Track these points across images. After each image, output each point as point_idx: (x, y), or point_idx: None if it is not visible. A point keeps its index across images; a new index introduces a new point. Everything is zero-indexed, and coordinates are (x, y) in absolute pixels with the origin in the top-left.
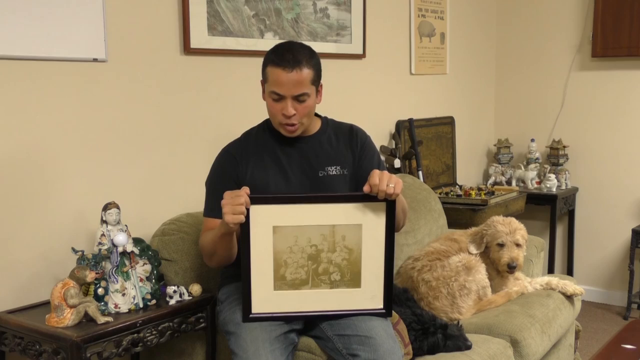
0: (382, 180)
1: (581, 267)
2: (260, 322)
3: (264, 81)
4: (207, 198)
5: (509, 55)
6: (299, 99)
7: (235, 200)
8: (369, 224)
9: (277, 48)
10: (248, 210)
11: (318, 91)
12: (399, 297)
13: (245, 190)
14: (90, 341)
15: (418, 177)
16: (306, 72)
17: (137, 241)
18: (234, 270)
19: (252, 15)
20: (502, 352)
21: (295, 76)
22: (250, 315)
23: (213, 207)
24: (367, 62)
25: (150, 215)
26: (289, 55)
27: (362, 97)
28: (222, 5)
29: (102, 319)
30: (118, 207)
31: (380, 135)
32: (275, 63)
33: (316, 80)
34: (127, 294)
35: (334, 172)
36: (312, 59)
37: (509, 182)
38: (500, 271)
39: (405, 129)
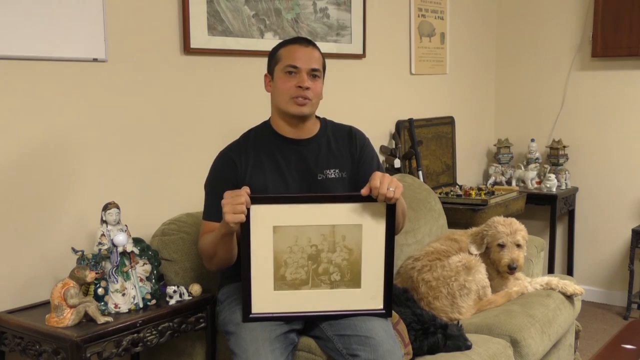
0: (382, 183)
1: (581, 267)
2: (260, 322)
3: (274, 65)
4: (206, 201)
5: (509, 55)
6: (313, 74)
7: (235, 200)
8: (369, 224)
9: (286, 39)
10: (248, 210)
11: (323, 83)
12: (399, 297)
13: (246, 189)
14: (90, 341)
15: (418, 177)
16: (318, 54)
17: (137, 241)
18: (234, 270)
19: (252, 15)
20: (502, 352)
21: (311, 52)
22: (250, 315)
23: (212, 209)
24: (367, 62)
25: (150, 215)
26: (301, 38)
27: (362, 97)
28: (222, 5)
29: (102, 319)
30: (118, 207)
31: (380, 135)
32: (289, 42)
33: (324, 70)
34: (127, 294)
35: (333, 175)
36: (318, 47)
37: (509, 182)
38: (501, 272)
39: (405, 129)
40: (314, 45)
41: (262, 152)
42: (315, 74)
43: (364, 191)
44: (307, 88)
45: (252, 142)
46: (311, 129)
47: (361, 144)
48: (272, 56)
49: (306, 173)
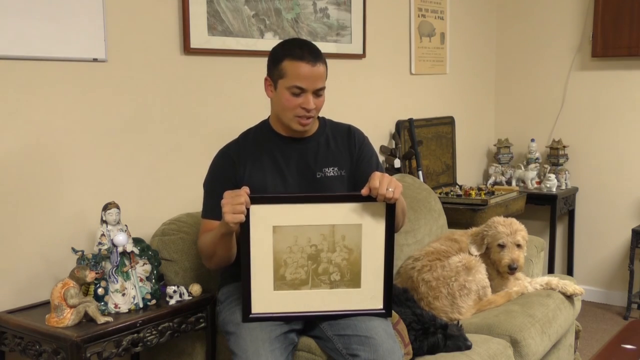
0: (382, 184)
1: (581, 267)
2: (260, 322)
3: (278, 77)
4: (205, 200)
5: (509, 55)
6: (317, 93)
7: (235, 200)
8: (369, 224)
9: (289, 44)
10: (248, 210)
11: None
12: (399, 297)
13: (245, 189)
14: (90, 341)
15: (418, 177)
16: (323, 68)
17: (137, 241)
18: (234, 270)
19: (252, 15)
20: (502, 352)
21: (317, 70)
22: (250, 315)
23: (211, 208)
24: (367, 62)
25: (150, 215)
26: (307, 50)
27: (362, 97)
28: (222, 5)
29: (102, 319)
30: (118, 207)
31: (380, 135)
32: (296, 57)
33: (326, 75)
34: (127, 294)
35: (332, 174)
36: (322, 55)
37: (509, 182)
38: (501, 272)
39: (405, 129)
40: (319, 59)
41: (261, 150)
42: (320, 92)
43: (364, 191)
44: (311, 109)
45: (251, 141)
46: (310, 128)
47: (360, 142)
48: (276, 64)
49: (305, 171)
